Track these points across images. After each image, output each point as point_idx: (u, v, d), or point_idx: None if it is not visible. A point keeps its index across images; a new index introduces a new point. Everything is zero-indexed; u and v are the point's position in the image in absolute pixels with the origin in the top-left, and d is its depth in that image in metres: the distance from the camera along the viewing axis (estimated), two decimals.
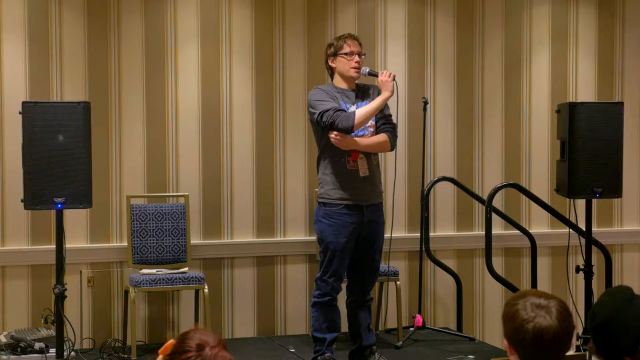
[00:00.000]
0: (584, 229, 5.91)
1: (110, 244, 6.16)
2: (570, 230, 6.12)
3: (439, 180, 6.52)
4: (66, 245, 5.19)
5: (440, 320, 6.77)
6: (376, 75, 5.33)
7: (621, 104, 5.84)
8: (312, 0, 6.52)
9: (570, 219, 6.13)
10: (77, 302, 6.02)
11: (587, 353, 2.88)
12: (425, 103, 6.41)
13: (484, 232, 6.20)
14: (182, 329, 6.03)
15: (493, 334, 6.76)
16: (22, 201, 5.08)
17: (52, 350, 5.24)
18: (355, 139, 5.22)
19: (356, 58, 5.33)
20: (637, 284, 6.97)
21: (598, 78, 7.11)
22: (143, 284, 5.80)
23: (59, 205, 5.04)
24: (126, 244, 6.08)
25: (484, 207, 6.34)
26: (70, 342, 5.29)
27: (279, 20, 6.45)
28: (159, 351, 2.25)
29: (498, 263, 6.68)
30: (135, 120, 6.19)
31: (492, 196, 6.21)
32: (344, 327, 5.52)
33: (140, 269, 5.97)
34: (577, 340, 5.60)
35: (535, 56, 6.97)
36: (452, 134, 6.81)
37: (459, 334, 6.43)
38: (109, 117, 6.14)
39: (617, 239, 7.12)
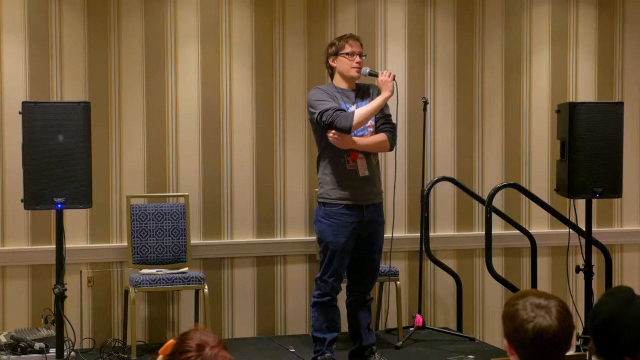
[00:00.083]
0: (584, 229, 5.91)
1: (110, 244, 6.16)
2: (570, 230, 6.12)
3: (439, 180, 6.52)
4: (66, 245, 5.19)
5: (440, 320, 6.77)
6: (376, 75, 5.33)
7: (621, 104, 5.84)
8: (312, 0, 6.52)
9: (570, 219, 6.13)
10: (77, 302, 6.02)
11: (587, 353, 2.88)
12: (425, 103, 6.41)
13: (484, 232, 6.20)
14: (182, 329, 6.03)
15: (493, 334, 6.76)
16: (22, 201, 5.08)
17: (52, 350, 5.24)
18: (354, 138, 5.22)
19: (357, 58, 5.33)
20: (637, 284, 6.97)
21: (598, 78, 7.11)
22: (143, 284, 5.80)
23: (59, 205, 5.04)
24: (126, 244, 6.08)
25: (484, 207, 6.34)
26: (70, 342, 5.29)
27: (279, 20, 6.45)
28: (159, 351, 2.25)
29: (498, 263, 6.68)
30: (135, 120, 6.19)
31: (492, 196, 6.21)
32: (344, 327, 5.52)
33: (140, 269, 5.97)
34: (577, 340, 5.60)
35: (535, 56, 6.97)
36: (452, 134, 6.81)
37: (459, 334, 6.43)
38: (109, 117, 6.14)
39: (617, 239, 7.12)
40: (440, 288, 6.77)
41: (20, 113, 5.05)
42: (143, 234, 6.06)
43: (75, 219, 6.00)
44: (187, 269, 6.06)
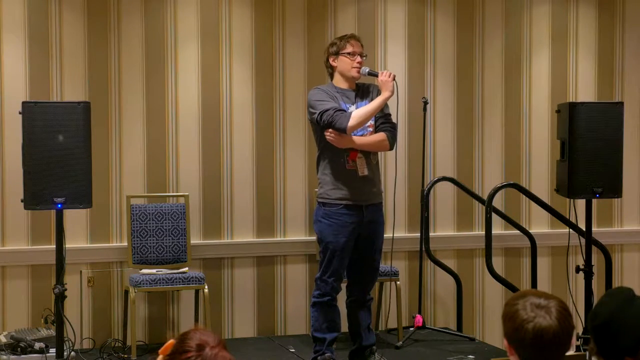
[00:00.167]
0: (584, 229, 5.91)
1: (110, 244, 6.16)
2: (570, 230, 6.12)
3: (439, 180, 6.52)
4: (66, 245, 5.19)
5: (440, 320, 6.77)
6: (376, 75, 5.33)
7: (621, 104, 5.84)
8: (312, 0, 6.52)
9: (570, 219, 6.13)
10: (77, 302, 6.02)
11: (587, 353, 2.88)
12: (425, 103, 6.41)
13: (484, 232, 6.20)
14: (182, 329, 6.03)
15: (493, 334, 6.76)
16: (22, 201, 5.08)
17: (52, 350, 5.23)
18: (353, 137, 5.22)
19: (358, 58, 5.33)
20: (637, 284, 6.97)
21: (598, 78, 7.10)
22: (143, 284, 5.80)
23: (59, 205, 5.04)
24: (126, 244, 6.08)
25: (484, 207, 6.34)
26: (70, 342, 5.29)
27: (279, 20, 6.45)
28: (159, 351, 2.25)
29: (498, 263, 6.67)
30: (135, 120, 6.19)
31: (492, 196, 6.21)
32: (344, 327, 5.52)
33: (140, 269, 5.97)
34: (577, 340, 5.60)
35: (535, 56, 6.97)
36: (452, 134, 6.81)
37: (459, 334, 6.43)
38: (109, 117, 6.14)
39: (617, 239, 7.11)
40: (440, 288, 6.77)
41: (20, 113, 5.05)
42: (143, 234, 6.06)
43: (75, 219, 6.00)
44: (187, 269, 6.05)
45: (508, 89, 6.92)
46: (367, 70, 5.35)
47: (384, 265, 5.91)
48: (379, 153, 5.57)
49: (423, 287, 6.57)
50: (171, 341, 2.23)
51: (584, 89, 7.05)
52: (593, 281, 5.90)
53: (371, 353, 5.48)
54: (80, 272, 6.06)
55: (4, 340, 5.52)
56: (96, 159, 5.50)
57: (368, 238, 5.32)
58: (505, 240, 6.78)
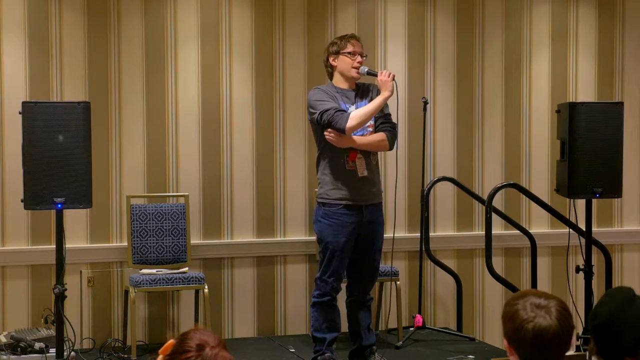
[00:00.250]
0: (584, 229, 5.90)
1: (110, 244, 6.16)
2: (570, 230, 6.12)
3: (439, 180, 6.52)
4: (66, 245, 5.19)
5: (440, 320, 6.77)
6: (375, 75, 5.32)
7: (621, 104, 5.84)
8: (312, 0, 6.52)
9: (570, 219, 6.13)
10: (77, 302, 6.02)
11: (587, 353, 2.88)
12: (425, 103, 6.41)
13: (484, 232, 6.20)
14: (182, 329, 6.03)
15: (493, 334, 6.76)
16: (22, 201, 5.08)
17: (52, 350, 5.23)
18: (352, 137, 5.21)
19: (359, 58, 5.33)
20: (637, 284, 6.97)
21: (598, 78, 7.11)
22: (143, 284, 5.80)
23: (59, 205, 5.04)
24: (126, 244, 6.08)
25: (484, 207, 6.34)
26: (70, 342, 5.29)
27: (279, 20, 6.45)
28: (159, 351, 2.25)
29: (498, 263, 6.67)
30: (135, 120, 6.19)
31: (492, 196, 6.21)
32: (344, 327, 5.52)
33: (140, 269, 5.97)
34: (577, 340, 5.60)
35: (535, 56, 6.97)
36: (452, 134, 6.81)
37: (459, 334, 6.43)
38: (109, 117, 6.14)
39: (617, 239, 7.11)
40: (440, 288, 6.77)
41: (20, 113, 5.05)
42: (143, 234, 6.06)
43: (75, 219, 6.01)
44: (187, 269, 6.05)
45: (508, 89, 6.92)
46: (366, 69, 5.35)
47: (384, 265, 5.91)
48: (379, 153, 5.57)
49: (423, 287, 6.57)
50: (171, 341, 2.23)
51: (584, 89, 7.05)
52: (593, 281, 5.90)
53: (371, 353, 5.48)
54: (80, 272, 6.06)
55: (4, 340, 5.52)
56: (96, 159, 5.50)
57: (368, 238, 5.32)
58: (505, 240, 6.78)
